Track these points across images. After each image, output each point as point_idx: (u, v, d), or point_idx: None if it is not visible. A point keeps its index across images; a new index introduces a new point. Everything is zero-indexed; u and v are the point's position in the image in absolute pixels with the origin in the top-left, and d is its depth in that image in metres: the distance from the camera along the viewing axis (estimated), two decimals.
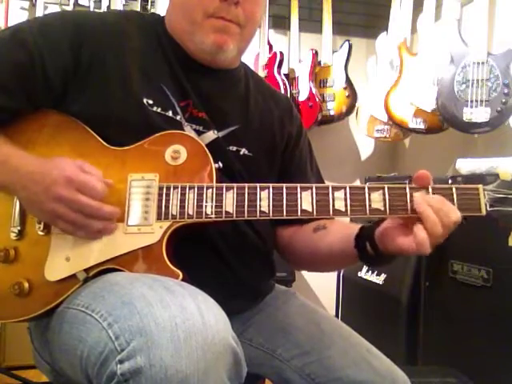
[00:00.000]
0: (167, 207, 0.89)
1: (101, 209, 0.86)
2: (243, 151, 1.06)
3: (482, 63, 2.19)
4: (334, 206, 0.89)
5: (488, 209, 0.88)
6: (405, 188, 0.89)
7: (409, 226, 0.87)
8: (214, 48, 1.00)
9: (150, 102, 0.97)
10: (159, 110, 0.98)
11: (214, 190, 0.90)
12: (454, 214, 0.85)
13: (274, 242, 1.15)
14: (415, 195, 0.87)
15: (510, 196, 0.88)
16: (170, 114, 0.99)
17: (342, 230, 1.03)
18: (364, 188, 0.89)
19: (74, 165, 0.87)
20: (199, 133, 1.01)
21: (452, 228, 0.86)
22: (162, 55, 1.02)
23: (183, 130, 0.99)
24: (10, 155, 0.89)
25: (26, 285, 0.89)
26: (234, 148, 1.05)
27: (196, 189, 0.89)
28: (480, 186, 0.89)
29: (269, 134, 1.12)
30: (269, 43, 2.80)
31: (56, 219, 0.87)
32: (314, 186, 0.90)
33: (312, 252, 1.07)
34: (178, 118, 1.00)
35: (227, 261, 1.01)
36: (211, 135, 1.02)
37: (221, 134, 1.03)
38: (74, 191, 0.84)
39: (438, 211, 0.85)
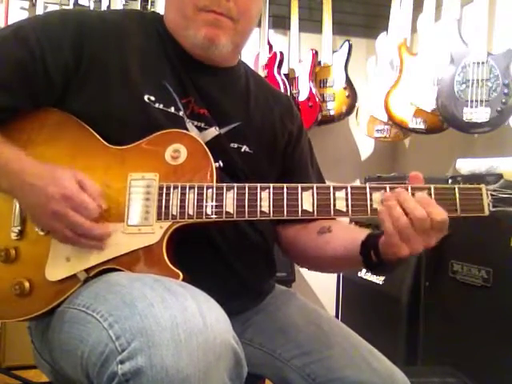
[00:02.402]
0: (167, 207, 0.89)
1: (91, 230, 0.87)
2: (244, 148, 1.06)
3: (482, 63, 2.19)
4: (335, 206, 0.88)
5: (491, 209, 0.87)
6: (406, 188, 0.88)
7: None
8: (205, 42, 0.99)
9: (152, 98, 0.97)
10: (161, 106, 0.98)
11: (215, 189, 0.89)
12: (439, 216, 0.84)
13: (278, 241, 1.15)
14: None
15: None
16: (172, 110, 0.99)
17: (347, 234, 1.02)
18: (365, 188, 0.89)
19: (73, 180, 0.87)
20: (201, 129, 1.01)
21: (418, 224, 0.84)
22: (162, 53, 1.02)
23: (185, 126, 0.99)
24: (9, 159, 0.89)
25: (27, 285, 0.90)
26: (236, 145, 1.05)
27: (196, 189, 0.89)
28: (483, 186, 0.88)
29: (270, 131, 1.12)
30: (269, 43, 2.81)
31: (51, 231, 0.89)
32: (314, 185, 0.90)
33: (316, 255, 1.07)
34: (181, 114, 1.00)
35: (228, 261, 1.01)
36: (213, 132, 1.02)
37: (222, 130, 1.03)
38: (68, 209, 0.85)
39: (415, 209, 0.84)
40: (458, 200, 0.87)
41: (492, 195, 0.88)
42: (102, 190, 0.89)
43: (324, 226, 1.06)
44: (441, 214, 0.84)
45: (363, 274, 2.28)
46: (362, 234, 0.96)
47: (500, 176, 0.91)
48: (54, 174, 0.87)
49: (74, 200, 0.85)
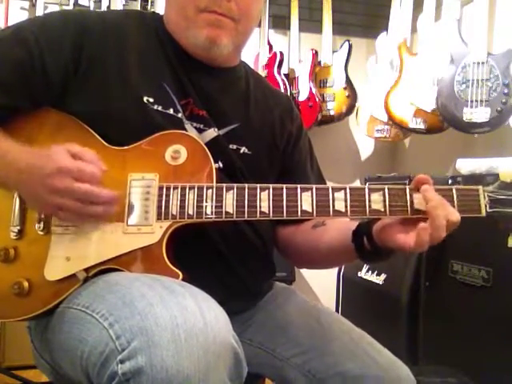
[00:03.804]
0: (167, 207, 0.89)
1: (99, 193, 0.85)
2: (243, 150, 1.06)
3: (482, 63, 2.20)
4: (334, 206, 0.89)
5: (488, 210, 0.88)
6: (405, 189, 0.89)
7: (407, 223, 0.87)
8: (207, 43, 0.99)
9: (151, 100, 0.97)
10: (160, 108, 0.98)
11: (214, 190, 0.90)
12: (455, 216, 0.86)
13: (274, 240, 1.15)
14: (424, 191, 0.87)
15: (509, 197, 0.88)
16: (171, 111, 0.99)
17: (340, 226, 1.02)
18: (364, 189, 0.89)
19: (65, 153, 0.85)
20: (200, 131, 1.01)
21: (450, 229, 0.86)
22: (162, 53, 1.02)
23: (184, 127, 0.99)
24: (9, 150, 0.89)
25: (26, 284, 0.89)
26: (235, 146, 1.05)
27: (196, 189, 0.89)
28: (480, 187, 0.89)
29: (269, 132, 1.12)
30: (269, 43, 2.81)
31: (56, 211, 0.87)
32: (314, 186, 0.90)
33: (311, 248, 1.07)
34: (179, 115, 1.00)
35: (227, 261, 1.01)
36: (212, 133, 1.02)
37: (221, 132, 1.03)
38: (69, 180, 0.83)
39: (442, 211, 0.85)
40: (455, 201, 0.88)
41: (489, 196, 0.88)
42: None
43: (319, 220, 1.06)
44: (456, 214, 0.86)
45: (363, 273, 2.28)
46: (355, 224, 0.97)
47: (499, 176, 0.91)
48: (47, 154, 0.86)
49: (71, 170, 0.83)
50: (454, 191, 0.89)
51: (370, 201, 0.89)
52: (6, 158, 0.88)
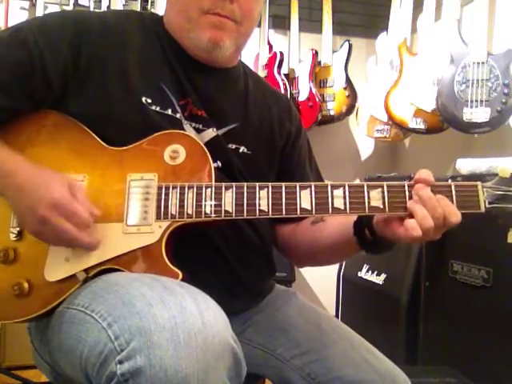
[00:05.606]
0: (166, 207, 0.89)
1: (81, 241, 0.85)
2: (242, 149, 1.06)
3: (482, 63, 2.20)
4: (333, 204, 0.89)
5: (487, 206, 0.88)
6: (403, 186, 0.89)
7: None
8: (209, 45, 0.99)
9: (149, 100, 0.97)
10: (158, 108, 0.98)
11: (213, 189, 0.89)
12: (454, 217, 0.85)
13: (274, 239, 1.15)
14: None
15: (508, 193, 0.88)
16: (169, 112, 0.99)
17: (340, 220, 1.03)
18: (363, 186, 0.89)
19: (65, 186, 0.85)
20: (199, 131, 1.01)
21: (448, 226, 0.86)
22: (161, 54, 1.02)
23: (183, 127, 1.00)
24: (5, 160, 0.89)
25: (26, 285, 0.89)
26: (234, 146, 1.05)
27: (195, 188, 0.89)
28: (479, 183, 0.89)
29: (268, 132, 1.12)
30: (269, 43, 2.81)
31: (37, 235, 0.87)
32: (312, 184, 0.90)
33: (311, 244, 1.07)
34: (178, 116, 1.00)
35: (227, 260, 1.01)
36: (211, 133, 1.02)
37: (220, 131, 1.04)
38: (57, 216, 0.83)
39: (436, 209, 0.85)
40: (454, 197, 0.88)
41: (488, 192, 0.88)
42: (95, 197, 0.89)
43: (317, 216, 1.06)
44: (456, 214, 0.86)
45: (363, 273, 2.28)
46: (354, 218, 0.97)
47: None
48: (45, 179, 0.86)
49: (63, 207, 0.84)
50: (452, 187, 0.89)
51: (369, 198, 0.89)
52: (1, 168, 0.88)
